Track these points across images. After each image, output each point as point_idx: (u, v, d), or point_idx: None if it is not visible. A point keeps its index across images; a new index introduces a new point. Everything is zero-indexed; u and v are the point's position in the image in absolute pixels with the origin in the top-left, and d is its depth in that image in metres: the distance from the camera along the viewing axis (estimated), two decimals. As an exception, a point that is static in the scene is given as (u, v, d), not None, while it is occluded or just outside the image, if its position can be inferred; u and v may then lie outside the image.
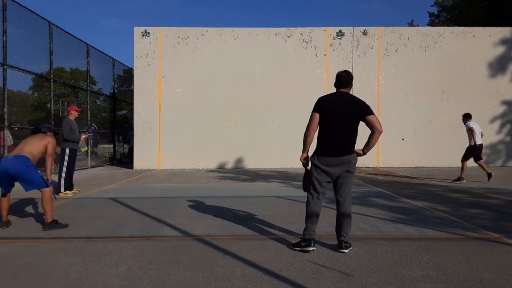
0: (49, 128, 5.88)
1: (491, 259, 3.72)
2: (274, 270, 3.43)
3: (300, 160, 4.12)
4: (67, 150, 7.77)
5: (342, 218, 4.01)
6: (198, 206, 6.47)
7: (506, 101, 14.45)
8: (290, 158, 13.28)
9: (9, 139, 10.74)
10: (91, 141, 14.34)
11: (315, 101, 4.03)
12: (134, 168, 13.84)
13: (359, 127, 3.99)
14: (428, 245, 4.19)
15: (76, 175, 8.70)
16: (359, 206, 6.37)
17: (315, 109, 4.00)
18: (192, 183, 9.95)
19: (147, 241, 4.37)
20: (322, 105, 3.97)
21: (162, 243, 4.28)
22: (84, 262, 3.67)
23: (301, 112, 14.19)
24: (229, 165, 14.19)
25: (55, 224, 4.97)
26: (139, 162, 14.00)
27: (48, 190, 4.97)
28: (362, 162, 14.16)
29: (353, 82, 4.10)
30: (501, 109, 14.39)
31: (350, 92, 4.10)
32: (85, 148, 14.66)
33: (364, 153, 4.03)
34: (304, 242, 3.97)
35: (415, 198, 7.27)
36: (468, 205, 6.59)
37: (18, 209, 6.27)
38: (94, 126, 8.76)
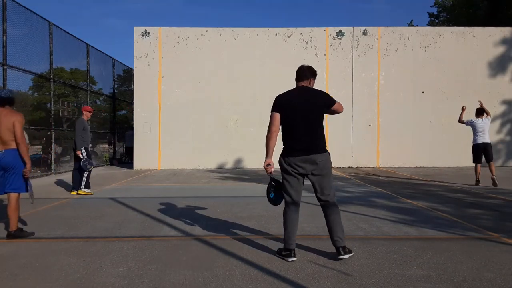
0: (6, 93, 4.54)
1: (491, 259, 3.72)
2: (274, 270, 3.43)
3: (264, 166, 3.74)
4: (83, 149, 7.94)
5: (329, 223, 3.68)
6: (198, 206, 6.47)
7: (506, 101, 14.45)
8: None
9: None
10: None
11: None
12: (134, 168, 13.84)
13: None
14: (428, 245, 4.19)
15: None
16: (359, 206, 6.37)
17: (274, 109, 3.76)
18: (192, 183, 9.95)
19: (147, 241, 4.37)
20: (281, 103, 3.73)
21: (162, 243, 4.28)
22: (84, 262, 3.67)
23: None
24: (229, 165, 14.18)
25: (19, 232, 4.50)
26: (139, 162, 14.00)
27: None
28: (362, 162, 14.19)
29: (314, 78, 3.85)
30: (501, 109, 14.38)
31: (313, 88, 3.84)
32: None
33: None
34: (284, 251, 3.72)
35: (415, 198, 7.27)
36: (468, 205, 6.58)
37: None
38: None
